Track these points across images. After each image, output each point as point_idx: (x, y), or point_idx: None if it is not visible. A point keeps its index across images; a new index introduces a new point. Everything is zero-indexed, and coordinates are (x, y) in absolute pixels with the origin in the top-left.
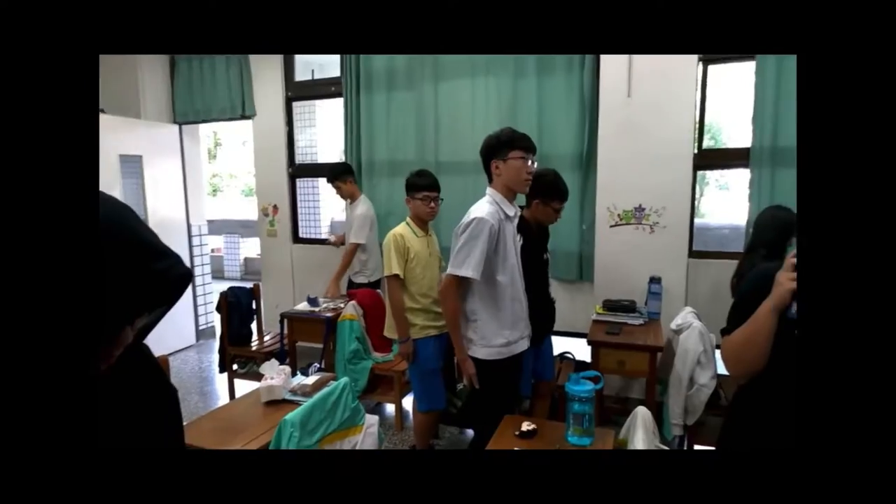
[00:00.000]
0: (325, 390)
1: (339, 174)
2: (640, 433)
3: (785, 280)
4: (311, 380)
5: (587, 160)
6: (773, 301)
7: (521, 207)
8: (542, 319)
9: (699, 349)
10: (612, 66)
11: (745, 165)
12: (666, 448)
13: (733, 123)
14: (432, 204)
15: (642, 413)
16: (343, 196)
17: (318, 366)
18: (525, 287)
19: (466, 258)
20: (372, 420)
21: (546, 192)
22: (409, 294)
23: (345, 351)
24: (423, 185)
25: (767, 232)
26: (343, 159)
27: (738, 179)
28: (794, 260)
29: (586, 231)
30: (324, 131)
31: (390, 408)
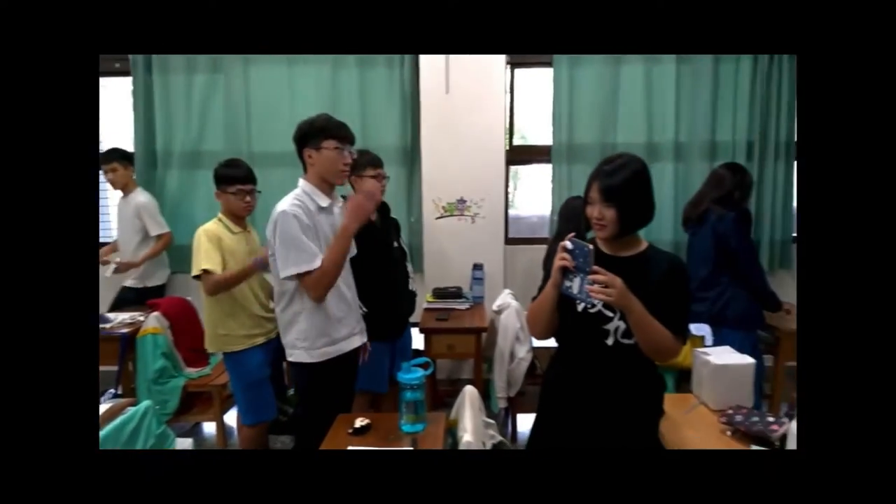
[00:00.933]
0: (119, 419)
1: (110, 159)
2: (468, 412)
3: (557, 260)
4: (101, 409)
5: (412, 154)
6: (551, 278)
7: (344, 197)
8: (400, 312)
9: (517, 326)
10: (431, 63)
11: (549, 161)
12: (492, 421)
13: (540, 123)
14: (247, 198)
15: (469, 392)
16: (116, 185)
17: (114, 392)
18: (374, 279)
19: (300, 252)
20: (184, 444)
21: (354, 165)
22: (230, 297)
23: (148, 370)
24: (235, 176)
25: (570, 219)
26: (133, 149)
27: (544, 173)
28: (567, 243)
29: (414, 223)
30: (111, 115)
31: (210, 426)
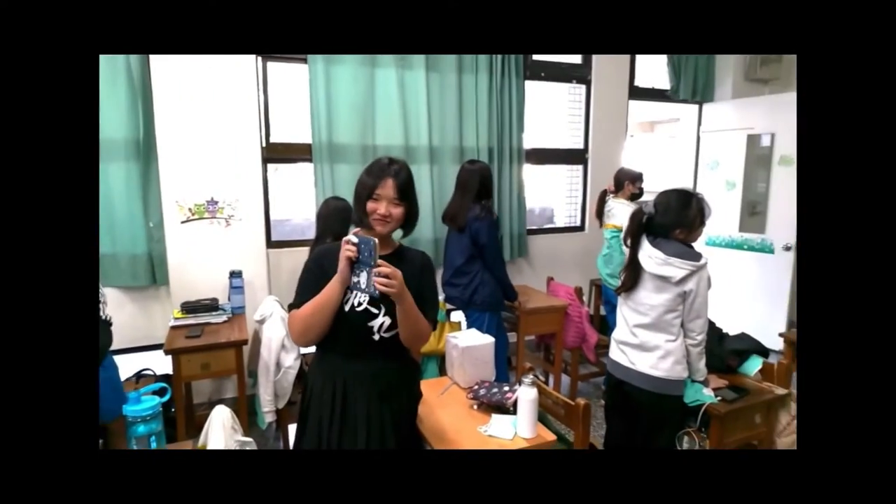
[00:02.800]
0: None
1: None
2: (217, 434)
3: (343, 252)
4: None
5: (145, 149)
6: (339, 273)
7: None
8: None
9: (282, 334)
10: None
11: (310, 160)
12: (248, 440)
13: (300, 121)
14: None
15: (217, 412)
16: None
17: None
18: None
19: None
20: None
21: None
22: None
23: None
24: None
25: (331, 220)
26: None
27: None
28: (352, 237)
29: (154, 229)
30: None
31: None
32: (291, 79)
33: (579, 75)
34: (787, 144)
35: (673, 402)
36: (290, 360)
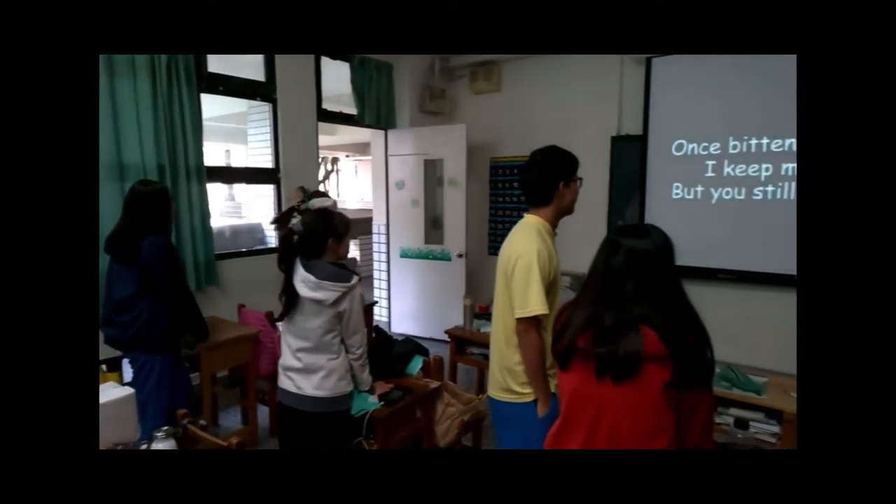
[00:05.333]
0: None
1: None
2: None
3: None
4: None
5: None
6: None
7: None
8: None
9: None
10: None
11: None
12: None
13: None
14: None
15: None
16: None
17: None
18: None
19: None
20: None
21: None
22: None
23: None
24: None
25: None
26: None
27: None
28: None
29: None
30: None
31: None
32: None
33: (264, 93)
34: (452, 168)
35: (341, 417)
36: None
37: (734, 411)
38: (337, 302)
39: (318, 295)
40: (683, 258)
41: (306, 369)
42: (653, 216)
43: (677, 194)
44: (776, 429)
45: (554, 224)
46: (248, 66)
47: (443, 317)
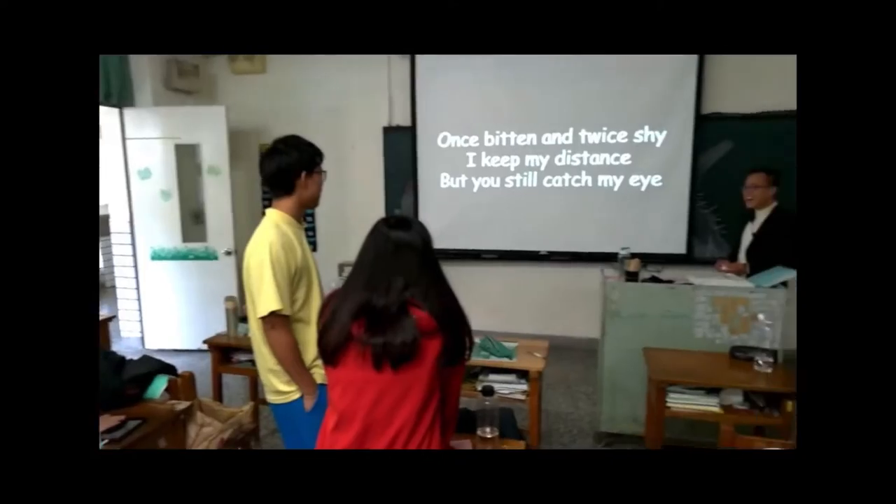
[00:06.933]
0: None
1: None
2: None
3: None
4: None
5: None
6: None
7: None
8: None
9: None
10: None
11: None
12: None
13: None
14: None
15: None
16: None
17: None
18: None
19: None
20: None
21: None
22: None
23: None
24: None
25: None
26: None
27: None
28: None
29: None
30: None
31: None
32: None
33: None
34: (212, 154)
35: None
36: None
37: (492, 377)
38: None
39: None
40: (454, 241)
41: None
42: (425, 204)
43: (445, 183)
44: (525, 387)
45: (297, 215)
46: None
47: (208, 324)
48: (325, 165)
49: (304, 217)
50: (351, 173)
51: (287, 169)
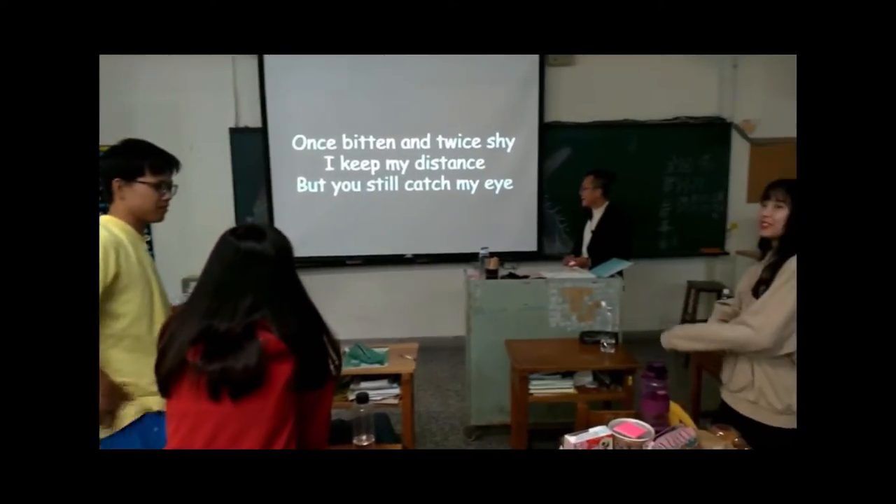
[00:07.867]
0: None
1: None
2: None
3: None
4: None
5: None
6: None
7: None
8: None
9: None
10: None
11: None
12: None
13: None
14: None
15: None
16: None
17: None
18: None
19: None
20: None
21: None
22: None
23: None
24: None
25: None
26: None
27: None
28: None
29: None
30: None
31: None
32: None
33: None
34: None
35: None
36: None
37: (364, 385)
38: None
39: None
40: (315, 248)
41: None
42: (281, 210)
43: (302, 187)
44: (397, 391)
45: (132, 224)
46: None
47: None
48: None
49: (142, 229)
50: (191, 178)
51: (103, 174)
